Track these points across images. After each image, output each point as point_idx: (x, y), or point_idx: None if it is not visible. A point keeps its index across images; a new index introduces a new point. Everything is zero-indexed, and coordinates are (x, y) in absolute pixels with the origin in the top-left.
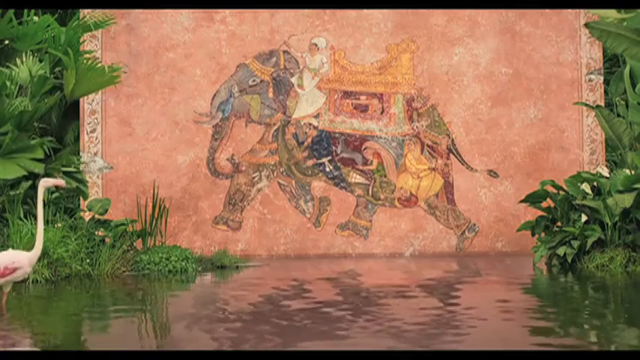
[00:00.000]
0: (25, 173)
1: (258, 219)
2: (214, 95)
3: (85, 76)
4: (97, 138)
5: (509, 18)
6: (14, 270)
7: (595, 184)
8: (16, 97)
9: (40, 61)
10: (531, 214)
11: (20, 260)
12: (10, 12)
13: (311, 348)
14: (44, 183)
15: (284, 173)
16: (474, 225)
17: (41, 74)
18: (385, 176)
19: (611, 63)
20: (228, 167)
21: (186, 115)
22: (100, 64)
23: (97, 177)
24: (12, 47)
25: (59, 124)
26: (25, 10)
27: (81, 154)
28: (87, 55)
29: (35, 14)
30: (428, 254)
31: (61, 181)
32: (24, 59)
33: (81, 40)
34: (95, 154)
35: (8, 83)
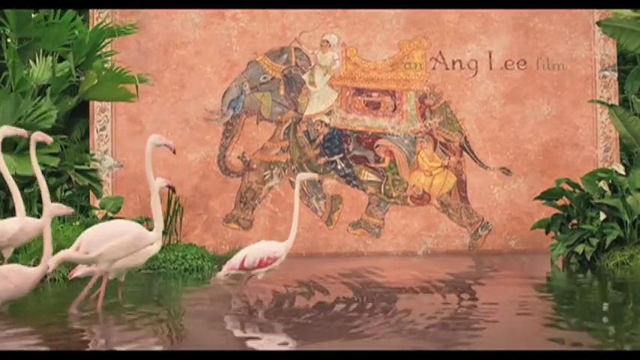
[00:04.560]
0: (42, 168)
1: (270, 217)
2: (225, 93)
3: (106, 83)
4: (106, 136)
5: (523, 14)
6: (275, 259)
7: (611, 181)
8: (37, 96)
9: (61, 59)
10: (545, 212)
11: (280, 250)
12: (42, 12)
13: (326, 346)
14: (301, 177)
15: (295, 171)
16: (487, 223)
17: (62, 75)
18: (397, 174)
19: (618, 60)
20: (239, 165)
21: (196, 113)
22: (127, 72)
23: (107, 175)
24: (34, 46)
25: (66, 122)
26: (52, 11)
27: (91, 151)
28: (108, 57)
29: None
30: (441, 252)
31: (314, 175)
32: (39, 59)
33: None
34: (105, 152)
35: (28, 80)
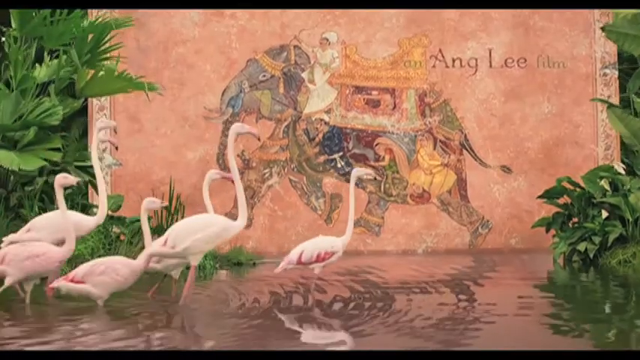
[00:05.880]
0: (45, 163)
1: (269, 216)
2: (224, 91)
3: (101, 78)
4: (105, 134)
5: (523, 12)
6: (332, 254)
7: (611, 180)
8: (38, 96)
9: (65, 53)
10: (546, 210)
11: (337, 245)
12: (46, 11)
13: (328, 344)
14: (356, 172)
15: (295, 170)
16: (488, 221)
17: (65, 73)
18: (397, 172)
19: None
20: (239, 164)
21: (195, 111)
22: (138, 78)
23: (106, 174)
24: (37, 44)
25: (65, 120)
26: (58, 10)
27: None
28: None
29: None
30: (441, 251)
31: (370, 171)
32: (45, 57)
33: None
34: (104, 150)
35: (30, 79)
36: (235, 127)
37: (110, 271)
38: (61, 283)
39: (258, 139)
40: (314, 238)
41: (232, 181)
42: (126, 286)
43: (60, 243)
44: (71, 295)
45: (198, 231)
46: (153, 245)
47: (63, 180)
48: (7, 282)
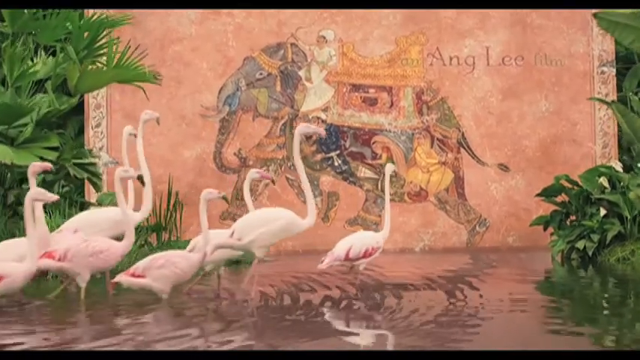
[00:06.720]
0: (38, 160)
1: None
2: (221, 89)
3: (98, 71)
4: (102, 132)
5: (521, 10)
6: (377, 250)
7: (609, 178)
8: (34, 92)
9: (62, 50)
10: (543, 208)
11: (380, 241)
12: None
13: (322, 345)
14: (390, 168)
15: (292, 168)
16: (485, 220)
17: (61, 70)
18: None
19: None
20: (236, 162)
21: (192, 109)
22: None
23: (102, 172)
24: (34, 41)
25: (61, 118)
26: (50, 10)
27: (86, 146)
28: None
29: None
30: (438, 249)
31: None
32: (38, 53)
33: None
34: (100, 148)
35: (26, 76)
36: (301, 128)
37: (169, 265)
38: (122, 278)
39: (325, 138)
40: (355, 233)
41: (272, 181)
42: (185, 279)
43: None
44: (132, 289)
45: (264, 224)
46: (222, 237)
47: (123, 173)
48: (81, 283)
